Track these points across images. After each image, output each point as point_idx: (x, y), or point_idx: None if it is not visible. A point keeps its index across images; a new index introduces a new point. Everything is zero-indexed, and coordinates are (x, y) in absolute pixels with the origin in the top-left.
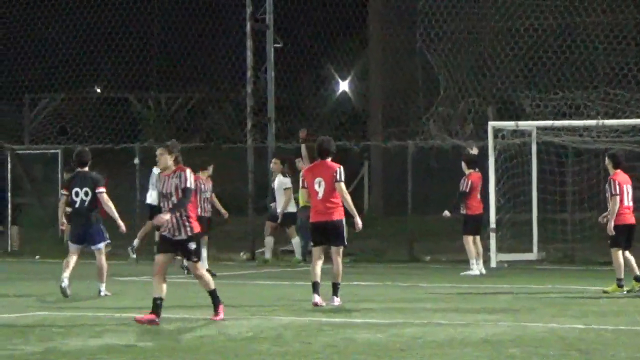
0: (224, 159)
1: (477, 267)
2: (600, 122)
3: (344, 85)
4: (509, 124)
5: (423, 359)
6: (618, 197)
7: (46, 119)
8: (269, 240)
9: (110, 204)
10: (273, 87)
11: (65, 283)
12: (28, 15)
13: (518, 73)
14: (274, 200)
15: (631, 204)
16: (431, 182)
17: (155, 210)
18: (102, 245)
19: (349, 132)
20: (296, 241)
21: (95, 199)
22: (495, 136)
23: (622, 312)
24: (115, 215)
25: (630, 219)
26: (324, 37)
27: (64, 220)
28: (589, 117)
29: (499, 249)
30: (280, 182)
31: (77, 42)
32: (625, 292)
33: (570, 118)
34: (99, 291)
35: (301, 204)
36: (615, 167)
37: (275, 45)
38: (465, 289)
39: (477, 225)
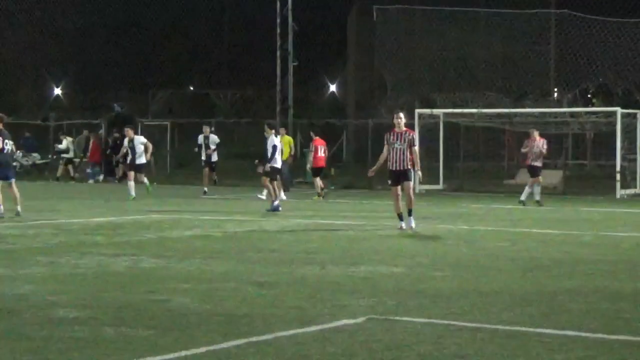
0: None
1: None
2: (479, 110)
3: (332, 87)
4: (427, 111)
5: (378, 243)
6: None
7: (162, 104)
8: (132, 184)
9: None
10: (292, 88)
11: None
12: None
13: (434, 80)
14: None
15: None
16: (380, 144)
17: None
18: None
19: (334, 114)
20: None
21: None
22: (419, 118)
23: (489, 218)
24: None
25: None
26: (322, 57)
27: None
28: (473, 107)
29: (421, 183)
30: (139, 139)
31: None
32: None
33: (462, 108)
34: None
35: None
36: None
37: (294, 63)
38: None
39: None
